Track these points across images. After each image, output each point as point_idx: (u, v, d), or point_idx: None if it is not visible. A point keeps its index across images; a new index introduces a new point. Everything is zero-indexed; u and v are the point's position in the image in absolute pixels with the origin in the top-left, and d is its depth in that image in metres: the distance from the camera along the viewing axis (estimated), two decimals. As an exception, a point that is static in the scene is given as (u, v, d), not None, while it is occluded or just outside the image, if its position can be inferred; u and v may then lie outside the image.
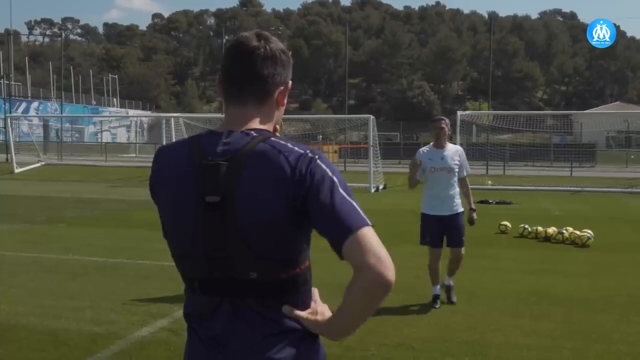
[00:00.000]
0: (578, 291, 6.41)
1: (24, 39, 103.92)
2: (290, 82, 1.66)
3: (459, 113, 22.23)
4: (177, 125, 24.12)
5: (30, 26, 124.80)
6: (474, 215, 5.97)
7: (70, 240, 9.33)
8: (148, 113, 65.05)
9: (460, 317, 5.46)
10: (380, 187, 19.98)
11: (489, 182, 20.28)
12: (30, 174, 25.21)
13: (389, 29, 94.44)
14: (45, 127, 45.29)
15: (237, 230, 1.49)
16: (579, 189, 19.69)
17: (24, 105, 48.98)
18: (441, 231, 5.80)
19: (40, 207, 13.71)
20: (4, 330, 4.96)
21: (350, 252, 1.42)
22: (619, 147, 39.37)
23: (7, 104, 37.51)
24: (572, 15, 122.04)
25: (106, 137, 53.67)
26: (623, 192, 19.22)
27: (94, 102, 61.93)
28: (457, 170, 5.80)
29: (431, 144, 5.98)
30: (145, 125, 61.41)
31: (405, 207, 12.75)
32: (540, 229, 9.86)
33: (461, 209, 5.83)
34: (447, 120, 6.05)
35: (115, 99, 65.86)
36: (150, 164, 1.68)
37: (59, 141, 39.27)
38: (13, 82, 48.24)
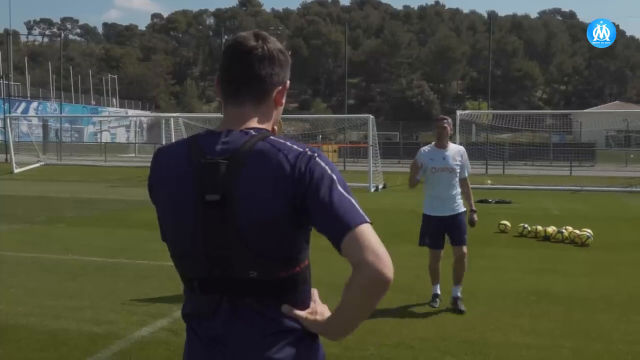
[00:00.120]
0: (577, 290, 6.41)
1: (23, 39, 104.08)
2: (288, 82, 1.66)
3: (459, 112, 22.22)
4: (177, 125, 24.12)
5: (30, 26, 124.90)
6: (475, 216, 5.90)
7: (69, 240, 9.32)
8: (147, 113, 65.03)
9: (459, 316, 5.46)
10: (380, 186, 19.98)
11: (489, 181, 20.27)
12: (30, 174, 25.20)
13: (388, 29, 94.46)
14: (45, 127, 45.25)
15: (237, 229, 1.49)
16: (578, 188, 19.69)
17: (23, 105, 48.95)
18: (442, 231, 5.76)
19: (40, 207, 13.71)
20: (3, 331, 4.96)
21: (348, 249, 1.42)
22: (619, 147, 39.37)
23: (6, 104, 37.53)
24: (572, 15, 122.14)
25: (105, 137, 53.64)
26: (622, 191, 19.22)
27: (93, 102, 61.92)
28: (458, 170, 5.74)
29: (433, 143, 5.90)
30: (145, 125, 61.39)
31: (404, 207, 12.76)
32: (539, 228, 9.86)
33: (462, 209, 5.77)
34: (450, 120, 5.97)
35: (114, 99, 65.85)
36: (149, 164, 1.68)
37: (59, 141, 39.22)
38: (12, 82, 48.27)
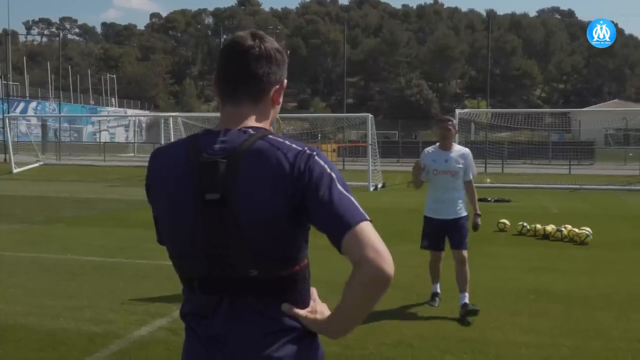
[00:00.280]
0: (577, 289, 6.41)
1: (21, 38, 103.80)
2: (285, 81, 1.67)
3: (458, 111, 22.22)
4: (176, 125, 24.13)
5: (28, 26, 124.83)
6: (479, 220, 5.74)
7: (68, 240, 9.32)
8: (146, 112, 65.00)
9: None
10: (379, 185, 19.99)
11: (488, 180, 20.27)
12: (29, 174, 25.20)
13: (387, 28, 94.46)
14: (44, 127, 45.18)
15: (236, 227, 1.49)
16: (577, 186, 19.71)
17: (22, 105, 48.90)
18: (442, 234, 5.63)
19: (39, 207, 13.70)
20: (2, 330, 4.95)
21: (349, 247, 1.42)
22: (617, 145, 39.40)
23: (5, 104, 37.53)
24: (570, 13, 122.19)
25: (104, 137, 53.63)
26: (621, 190, 19.24)
27: (92, 102, 61.86)
28: (461, 173, 5.58)
29: (437, 144, 5.75)
30: (144, 125, 61.35)
31: (404, 206, 12.76)
32: (538, 226, 9.86)
33: (465, 213, 5.60)
34: (454, 122, 5.81)
35: (113, 99, 65.80)
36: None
37: (57, 141, 39.17)
38: (11, 82, 48.27)
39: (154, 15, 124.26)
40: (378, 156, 22.14)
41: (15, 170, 25.57)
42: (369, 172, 19.59)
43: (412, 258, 7.06)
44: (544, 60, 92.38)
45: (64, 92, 51.59)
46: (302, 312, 1.55)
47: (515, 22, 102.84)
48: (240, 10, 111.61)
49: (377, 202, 14.74)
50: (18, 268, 7.29)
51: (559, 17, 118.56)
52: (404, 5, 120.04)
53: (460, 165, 5.57)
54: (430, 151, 5.72)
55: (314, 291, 1.65)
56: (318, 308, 1.59)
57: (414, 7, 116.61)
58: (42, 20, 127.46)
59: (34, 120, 43.43)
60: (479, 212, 5.76)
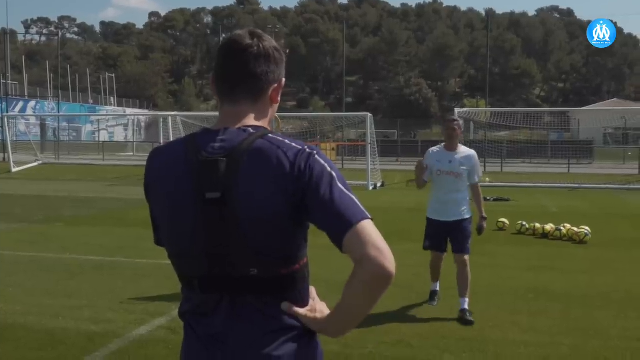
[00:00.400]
0: (576, 288, 6.42)
1: (20, 38, 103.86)
2: (284, 80, 1.66)
3: (457, 110, 22.26)
4: (175, 124, 24.13)
5: (27, 25, 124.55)
6: (484, 224, 5.59)
7: (67, 239, 9.31)
8: (145, 112, 64.91)
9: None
10: (378, 184, 20.00)
11: (487, 179, 20.25)
12: (28, 173, 25.19)
13: (386, 27, 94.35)
14: (43, 126, 45.11)
15: (236, 226, 1.49)
16: (576, 185, 19.72)
17: (21, 104, 48.84)
18: (445, 235, 5.54)
19: (38, 206, 13.69)
20: (1, 330, 4.95)
21: (350, 246, 1.42)
22: (616, 144, 39.44)
23: (4, 103, 37.46)
24: (569, 12, 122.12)
25: (103, 136, 53.57)
26: (620, 189, 19.26)
27: (91, 101, 61.77)
28: (465, 175, 5.48)
29: (442, 144, 5.66)
30: (143, 124, 61.24)
31: (403, 205, 12.77)
32: (537, 225, 9.87)
33: (468, 215, 5.49)
34: (460, 122, 5.69)
35: (112, 98, 65.70)
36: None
37: (56, 140, 39.12)
38: (10, 82, 48.21)
39: (152, 14, 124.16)
40: (377, 155, 22.13)
41: (14, 170, 25.55)
42: (368, 171, 19.60)
43: (411, 257, 7.05)
44: (543, 59, 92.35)
45: (62, 91, 51.54)
46: (301, 310, 1.55)
47: (515, 21, 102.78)
48: (239, 9, 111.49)
49: (376, 201, 14.74)
50: (17, 267, 7.29)
51: (558, 16, 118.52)
52: (403, 4, 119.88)
53: (464, 167, 5.47)
54: (435, 151, 5.62)
55: (313, 290, 1.65)
56: (317, 307, 1.59)
57: (413, 6, 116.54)
58: (40, 19, 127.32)
59: (32, 120, 43.36)
60: (484, 215, 5.63)
